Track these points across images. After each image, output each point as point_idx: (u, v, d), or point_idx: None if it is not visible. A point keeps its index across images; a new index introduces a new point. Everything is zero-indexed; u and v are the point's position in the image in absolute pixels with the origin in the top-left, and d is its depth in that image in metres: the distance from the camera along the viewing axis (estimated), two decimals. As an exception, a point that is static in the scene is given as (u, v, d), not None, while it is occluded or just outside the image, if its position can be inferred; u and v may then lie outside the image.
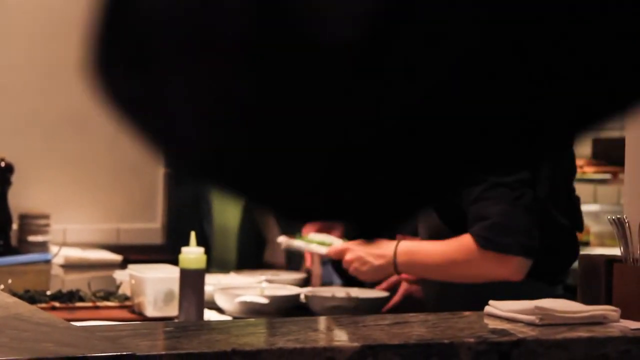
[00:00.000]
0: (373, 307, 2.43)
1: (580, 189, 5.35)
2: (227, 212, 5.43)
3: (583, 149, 4.94)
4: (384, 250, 2.26)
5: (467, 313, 1.85)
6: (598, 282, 1.91)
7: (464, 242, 2.14)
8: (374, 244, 2.25)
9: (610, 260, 1.91)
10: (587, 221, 4.57)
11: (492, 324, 1.77)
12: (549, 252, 2.24)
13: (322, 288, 2.55)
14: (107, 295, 2.53)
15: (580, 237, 4.86)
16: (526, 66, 0.60)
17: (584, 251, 4.35)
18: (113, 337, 1.55)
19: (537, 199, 2.20)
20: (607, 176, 4.71)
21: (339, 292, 2.50)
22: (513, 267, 2.10)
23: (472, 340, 1.62)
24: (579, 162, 4.65)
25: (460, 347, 1.61)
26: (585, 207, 4.76)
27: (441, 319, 1.79)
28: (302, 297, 2.51)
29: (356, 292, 2.50)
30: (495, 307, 1.82)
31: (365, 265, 2.28)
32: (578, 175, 5.02)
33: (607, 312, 1.78)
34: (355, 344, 1.56)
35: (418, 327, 1.72)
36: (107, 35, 0.66)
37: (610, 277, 1.90)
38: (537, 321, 1.73)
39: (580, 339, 1.68)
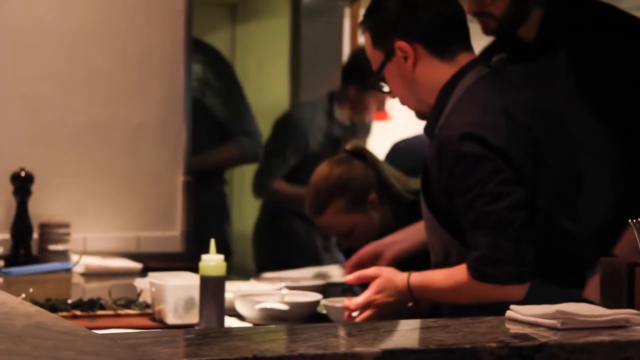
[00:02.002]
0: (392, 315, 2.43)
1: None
2: (246, 219, 5.44)
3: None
4: (398, 284, 2.30)
5: (488, 318, 1.85)
6: (620, 286, 1.90)
7: (461, 271, 2.21)
8: (387, 278, 2.31)
9: (632, 264, 1.90)
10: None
11: (514, 328, 1.76)
12: (555, 256, 2.24)
13: (339, 298, 2.55)
14: (128, 303, 2.54)
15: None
16: None
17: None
18: (134, 344, 1.55)
19: (538, 210, 2.21)
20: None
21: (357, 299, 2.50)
22: (508, 294, 2.16)
23: (494, 345, 1.61)
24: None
25: (482, 351, 1.60)
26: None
27: (462, 323, 1.79)
28: (319, 307, 2.50)
29: None
30: (517, 311, 1.81)
31: (389, 298, 2.31)
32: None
33: (630, 316, 1.77)
34: (376, 350, 1.56)
35: (439, 332, 1.71)
36: None
37: (632, 281, 1.89)
38: (559, 325, 1.72)
39: (603, 343, 1.67)
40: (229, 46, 5.69)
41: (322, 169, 2.96)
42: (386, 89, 2.38)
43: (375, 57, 2.34)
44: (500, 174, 2.17)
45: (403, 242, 2.66)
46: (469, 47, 2.32)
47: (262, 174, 4.34)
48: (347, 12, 5.58)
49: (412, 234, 2.66)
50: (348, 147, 3.00)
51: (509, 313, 1.83)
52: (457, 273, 2.21)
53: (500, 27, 2.53)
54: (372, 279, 2.35)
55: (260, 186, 4.36)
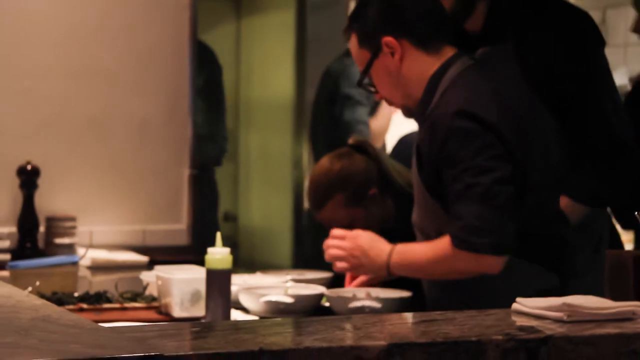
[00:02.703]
0: (397, 307, 2.43)
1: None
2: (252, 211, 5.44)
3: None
4: (381, 249, 2.36)
5: (494, 310, 1.85)
6: (626, 278, 1.90)
7: (443, 241, 2.26)
8: (374, 242, 2.36)
9: (639, 256, 1.90)
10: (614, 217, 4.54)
11: (520, 321, 1.76)
12: (539, 237, 2.25)
13: (342, 289, 2.55)
14: (134, 297, 2.54)
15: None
16: None
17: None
18: (141, 337, 1.55)
19: (528, 189, 2.24)
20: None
21: (360, 292, 2.50)
22: (487, 265, 2.23)
23: (499, 337, 1.62)
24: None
25: (488, 344, 1.60)
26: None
27: (468, 316, 1.79)
28: (324, 300, 2.51)
29: (376, 292, 2.49)
30: (523, 304, 1.81)
31: (365, 259, 2.38)
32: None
33: (636, 308, 1.77)
34: (383, 343, 1.56)
35: (445, 325, 1.71)
36: None
37: (638, 274, 1.89)
38: (565, 318, 1.72)
39: (609, 335, 1.67)
40: (233, 40, 5.69)
41: (323, 163, 2.96)
42: (373, 89, 2.42)
43: (361, 58, 2.40)
44: (490, 150, 2.22)
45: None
46: (452, 41, 2.38)
47: None
48: (351, 5, 5.58)
49: None
50: (350, 141, 3.00)
51: (515, 306, 1.83)
52: (438, 244, 2.27)
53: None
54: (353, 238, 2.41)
55: None
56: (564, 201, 2.46)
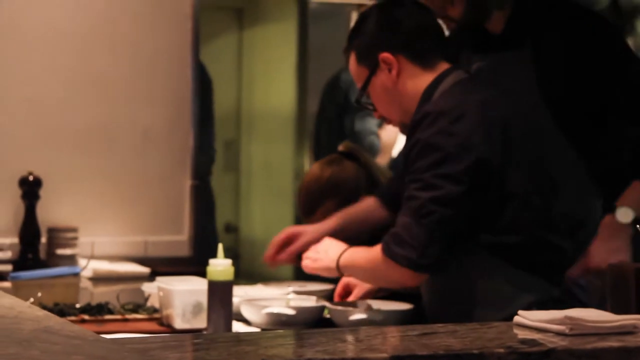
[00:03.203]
0: (398, 319, 2.43)
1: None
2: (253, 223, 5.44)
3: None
4: (337, 251, 2.45)
5: (496, 323, 1.85)
6: (628, 292, 1.90)
7: (378, 248, 2.32)
8: (334, 243, 2.48)
9: (640, 269, 1.90)
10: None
11: (522, 334, 1.76)
12: (537, 246, 2.26)
13: (343, 302, 2.55)
14: (136, 308, 2.54)
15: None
16: None
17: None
18: (142, 349, 1.55)
19: (512, 196, 2.24)
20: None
21: (362, 305, 2.50)
22: (402, 276, 2.27)
23: (501, 350, 1.61)
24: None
25: (490, 357, 1.60)
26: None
27: (470, 329, 1.79)
28: (325, 312, 2.51)
29: (378, 305, 2.49)
30: (525, 317, 1.81)
31: (317, 262, 2.49)
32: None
33: (638, 322, 1.76)
34: (384, 355, 1.56)
35: (447, 338, 1.71)
36: None
37: (640, 286, 1.89)
38: (567, 331, 1.72)
39: (611, 348, 1.67)
40: (235, 50, 5.70)
41: (313, 170, 2.98)
42: (371, 107, 2.46)
43: (359, 75, 2.43)
44: (441, 168, 2.23)
45: (312, 232, 2.70)
46: (447, 57, 2.41)
47: None
48: (353, 16, 5.59)
49: (323, 225, 2.71)
50: (341, 147, 3.02)
51: (516, 318, 1.83)
52: (374, 250, 2.32)
53: (459, 28, 2.58)
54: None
55: None
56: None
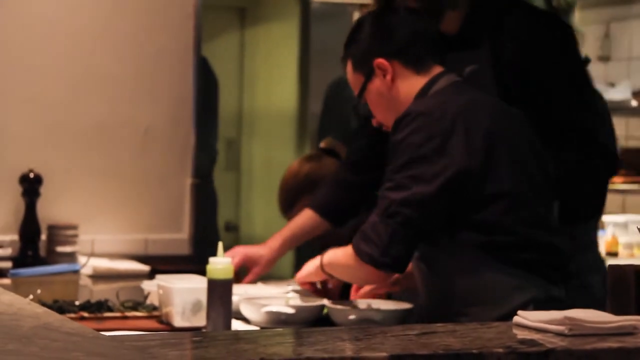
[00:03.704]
0: (397, 318, 2.43)
1: (609, 200, 5.31)
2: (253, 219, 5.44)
3: (611, 159, 4.91)
4: (312, 267, 2.53)
5: (496, 323, 1.85)
6: (628, 293, 1.90)
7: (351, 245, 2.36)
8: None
9: (640, 270, 1.90)
10: (616, 231, 4.54)
11: (521, 334, 1.76)
12: (533, 245, 2.27)
13: (343, 301, 2.56)
14: (136, 306, 2.54)
15: (609, 247, 4.85)
16: None
17: (613, 261, 4.33)
18: (142, 346, 1.55)
19: (503, 195, 2.24)
20: (636, 186, 4.68)
21: (361, 304, 2.50)
22: (368, 273, 2.31)
23: (501, 350, 1.61)
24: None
25: (489, 357, 1.60)
26: (613, 218, 4.74)
27: (469, 329, 1.79)
28: (325, 311, 2.51)
29: (377, 304, 2.50)
30: (524, 317, 1.81)
31: (304, 269, 2.56)
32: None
33: (637, 323, 1.76)
34: (384, 354, 1.56)
35: (446, 337, 1.71)
36: None
37: (640, 288, 1.89)
38: (566, 331, 1.72)
39: (610, 349, 1.67)
40: (238, 50, 5.70)
41: (293, 166, 3.02)
42: (369, 114, 2.48)
43: (356, 82, 2.46)
44: (413, 169, 2.25)
45: (266, 256, 2.83)
46: (441, 61, 2.43)
47: None
48: (356, 16, 5.59)
49: (273, 248, 2.83)
50: (322, 144, 3.03)
51: (516, 319, 1.83)
52: (349, 247, 2.35)
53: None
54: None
55: None
56: None
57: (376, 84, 2.41)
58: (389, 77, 2.39)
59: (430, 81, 2.38)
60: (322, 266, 2.49)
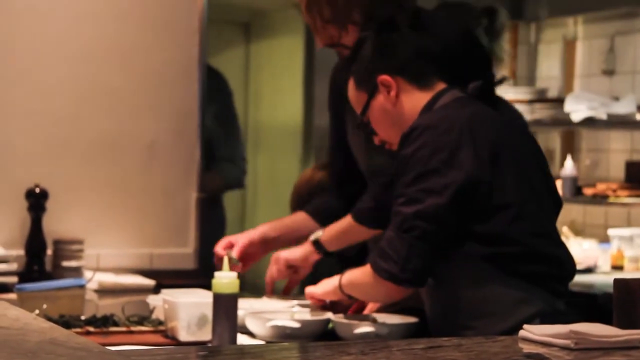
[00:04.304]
0: (403, 332, 2.43)
1: (614, 213, 5.31)
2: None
3: (616, 173, 4.91)
4: (333, 279, 2.53)
5: (501, 337, 1.85)
6: (633, 307, 1.90)
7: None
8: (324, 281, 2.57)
9: (646, 284, 1.90)
10: (621, 245, 4.53)
11: (527, 348, 1.75)
12: (538, 258, 2.27)
13: (348, 315, 2.55)
14: (141, 320, 2.54)
15: (614, 261, 4.84)
16: None
17: (618, 275, 4.32)
18: (148, 361, 1.55)
19: (504, 206, 2.25)
20: (641, 200, 4.66)
21: (366, 318, 2.50)
22: (388, 290, 2.30)
23: (506, 364, 1.61)
24: (611, 185, 4.63)
25: (495, 371, 1.60)
26: (618, 231, 4.73)
27: (475, 342, 1.78)
28: (330, 325, 2.51)
29: (383, 318, 2.49)
30: (530, 331, 1.81)
31: (320, 287, 2.56)
32: (611, 199, 5.01)
33: (643, 337, 1.76)
34: (389, 368, 1.56)
35: (452, 351, 1.71)
36: None
37: (646, 301, 1.88)
38: (572, 345, 1.72)
39: (616, 363, 1.66)
40: (243, 64, 5.71)
41: (305, 173, 3.05)
42: (372, 132, 2.48)
43: (359, 100, 2.46)
44: (424, 182, 2.25)
45: (246, 237, 2.87)
46: (444, 77, 2.43)
47: None
48: (360, 30, 5.60)
49: (257, 229, 2.89)
50: None
51: (522, 332, 1.83)
52: (367, 267, 2.35)
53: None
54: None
55: None
56: None
57: (380, 100, 2.41)
58: (393, 93, 2.39)
59: (435, 97, 2.39)
60: (340, 286, 2.48)
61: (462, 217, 2.25)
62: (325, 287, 2.54)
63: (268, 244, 2.90)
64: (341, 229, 2.71)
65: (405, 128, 2.37)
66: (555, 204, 2.41)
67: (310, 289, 2.59)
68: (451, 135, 2.26)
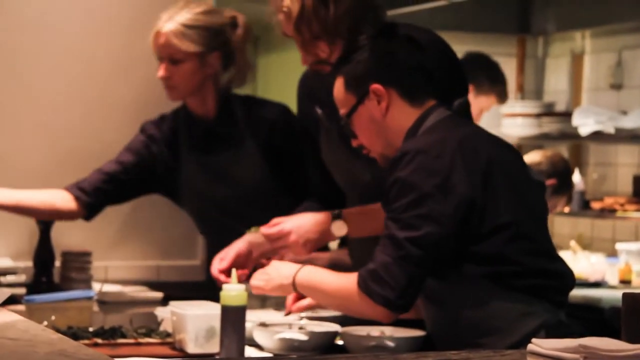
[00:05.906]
0: (411, 346, 2.42)
1: (622, 227, 5.29)
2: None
3: (624, 187, 4.91)
4: (292, 266, 2.47)
5: (509, 351, 1.84)
6: (642, 321, 1.89)
7: (352, 277, 2.32)
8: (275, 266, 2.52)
9: (654, 298, 1.89)
10: (629, 259, 4.52)
11: (535, 362, 1.75)
12: (540, 272, 2.27)
13: (356, 327, 2.55)
14: (149, 332, 2.54)
15: (623, 275, 4.83)
16: None
17: (627, 289, 4.31)
18: (156, 373, 1.55)
19: (506, 226, 2.25)
20: (649, 214, 4.65)
21: (374, 331, 2.50)
22: (377, 313, 2.30)
23: (515, 378, 1.61)
24: (619, 199, 4.63)
25: (503, 385, 1.60)
26: (627, 246, 4.72)
27: (483, 356, 1.78)
28: (338, 338, 2.50)
29: (390, 331, 2.49)
30: (539, 345, 1.81)
31: (269, 282, 2.50)
32: (619, 213, 5.00)
33: (652, 351, 1.76)
34: (398, 382, 1.55)
35: (460, 365, 1.71)
36: None
37: (654, 315, 1.88)
38: (581, 359, 1.72)
39: (625, 377, 1.66)
40: (250, 78, 5.70)
41: None
42: (352, 134, 2.46)
43: (345, 101, 2.44)
44: (420, 208, 2.24)
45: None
46: (436, 96, 2.42)
47: None
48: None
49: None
50: None
51: (530, 346, 1.82)
52: (348, 278, 2.33)
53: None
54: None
55: None
56: None
57: (368, 108, 2.39)
58: (383, 104, 2.38)
59: (423, 114, 2.38)
60: (294, 284, 2.44)
61: (459, 241, 2.25)
62: (273, 281, 2.48)
63: (256, 250, 2.87)
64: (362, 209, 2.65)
65: (391, 140, 2.37)
66: (544, 211, 2.41)
67: (256, 283, 2.53)
68: (443, 159, 2.25)
